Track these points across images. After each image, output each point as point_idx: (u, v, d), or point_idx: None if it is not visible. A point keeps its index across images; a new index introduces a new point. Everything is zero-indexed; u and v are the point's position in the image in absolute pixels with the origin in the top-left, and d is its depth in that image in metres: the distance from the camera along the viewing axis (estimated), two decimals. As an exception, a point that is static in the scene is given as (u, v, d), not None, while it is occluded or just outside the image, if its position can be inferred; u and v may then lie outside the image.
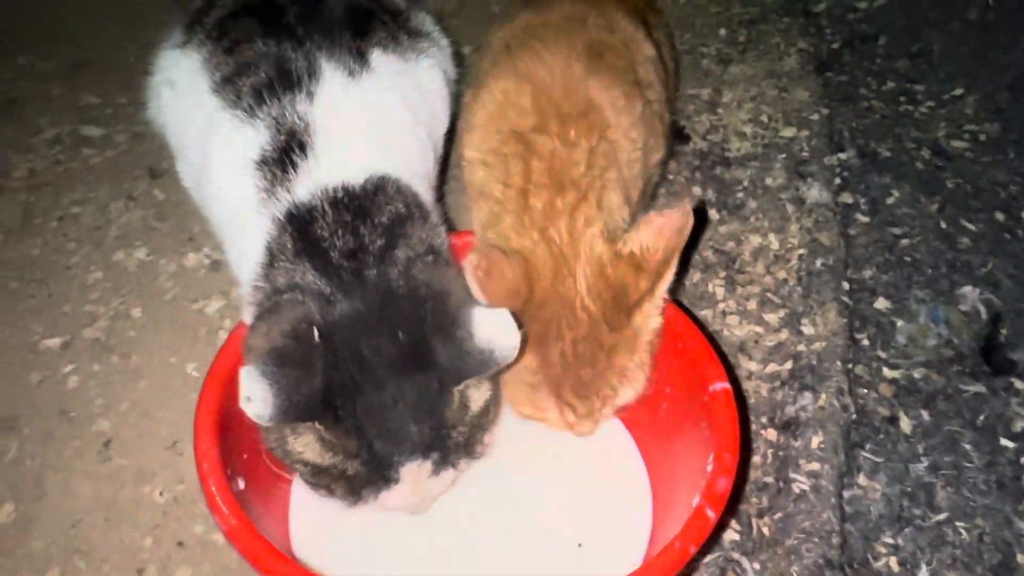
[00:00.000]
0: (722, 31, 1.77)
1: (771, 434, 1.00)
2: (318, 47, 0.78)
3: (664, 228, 0.71)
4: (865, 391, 1.08)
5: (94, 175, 1.30)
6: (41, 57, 1.59)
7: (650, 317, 0.74)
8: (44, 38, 1.64)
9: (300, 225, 0.69)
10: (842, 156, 1.39)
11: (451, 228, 0.87)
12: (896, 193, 1.34)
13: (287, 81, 0.75)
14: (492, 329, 0.65)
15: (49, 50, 1.61)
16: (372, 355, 0.64)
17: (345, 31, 0.81)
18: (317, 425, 0.63)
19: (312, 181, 0.71)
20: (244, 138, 0.73)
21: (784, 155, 1.37)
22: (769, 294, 1.16)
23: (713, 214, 1.28)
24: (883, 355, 1.12)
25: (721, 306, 1.15)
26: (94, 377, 0.99)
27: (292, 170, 0.71)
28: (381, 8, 0.89)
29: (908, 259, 1.24)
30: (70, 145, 1.37)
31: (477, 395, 0.70)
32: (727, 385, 0.76)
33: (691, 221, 0.71)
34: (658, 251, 0.71)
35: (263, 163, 0.72)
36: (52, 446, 0.92)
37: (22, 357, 1.01)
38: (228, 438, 0.73)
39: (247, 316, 0.71)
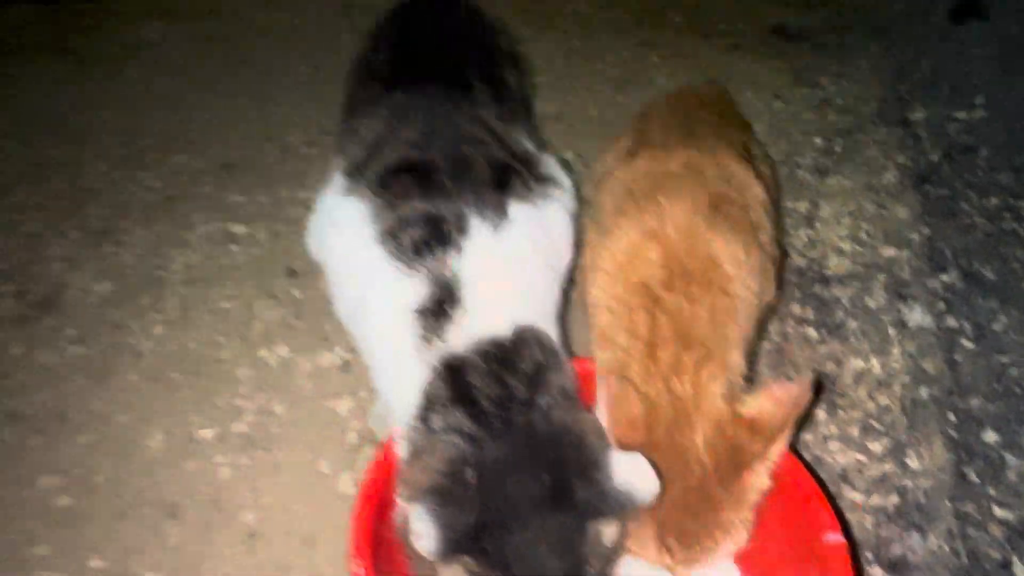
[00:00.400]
0: (818, 140, 1.82)
1: (877, 572, 1.01)
2: (467, 204, 0.88)
3: (783, 399, 0.76)
4: (975, 531, 1.07)
5: (240, 271, 1.46)
6: (194, 156, 1.81)
7: (760, 478, 0.79)
8: (197, 138, 1.87)
9: (454, 373, 0.78)
10: (944, 278, 1.40)
11: (569, 351, 0.95)
12: (1003, 318, 1.33)
13: (441, 237, 0.85)
14: (631, 472, 0.71)
15: (201, 150, 1.83)
16: (518, 495, 0.72)
17: (489, 187, 0.91)
18: (467, 559, 0.70)
19: (464, 332, 0.80)
20: (404, 289, 0.84)
21: (884, 275, 1.39)
22: (872, 421, 1.18)
23: (812, 333, 1.31)
24: (993, 492, 1.11)
25: (822, 431, 1.17)
26: (242, 469, 1.11)
27: (447, 321, 0.81)
28: (516, 159, 1.00)
29: (1018, 390, 1.23)
30: (220, 241, 1.54)
31: (610, 530, 0.76)
32: (842, 539, 0.79)
33: (809, 396, 0.76)
34: (775, 418, 0.76)
35: (420, 313, 0.82)
36: (207, 535, 1.03)
37: (182, 445, 1.14)
38: (376, 556, 0.81)
39: (401, 449, 0.80)
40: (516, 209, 0.92)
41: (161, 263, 1.49)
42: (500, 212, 0.90)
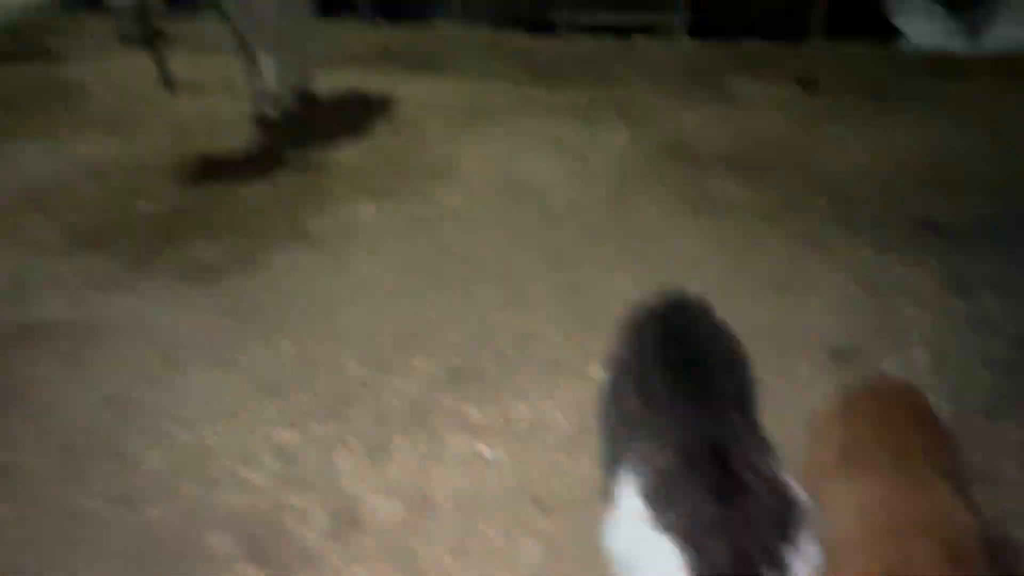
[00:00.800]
0: (984, 373, 1.99)
1: None
2: (762, 560, 1.16)
3: None
4: None
5: (494, 497, 1.75)
6: (428, 359, 2.15)
7: None
8: (425, 340, 2.21)
9: None
10: None
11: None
12: None
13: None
14: None
15: (431, 352, 2.17)
16: None
17: (774, 540, 1.18)
18: None
19: None
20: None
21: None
22: None
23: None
24: None
25: None
26: None
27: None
28: (780, 499, 1.25)
29: None
30: (470, 461, 1.84)
31: None
32: None
33: None
34: None
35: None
36: None
37: None
38: None
39: None
40: (792, 556, 1.19)
41: (429, 483, 1.80)
42: (784, 565, 1.17)
